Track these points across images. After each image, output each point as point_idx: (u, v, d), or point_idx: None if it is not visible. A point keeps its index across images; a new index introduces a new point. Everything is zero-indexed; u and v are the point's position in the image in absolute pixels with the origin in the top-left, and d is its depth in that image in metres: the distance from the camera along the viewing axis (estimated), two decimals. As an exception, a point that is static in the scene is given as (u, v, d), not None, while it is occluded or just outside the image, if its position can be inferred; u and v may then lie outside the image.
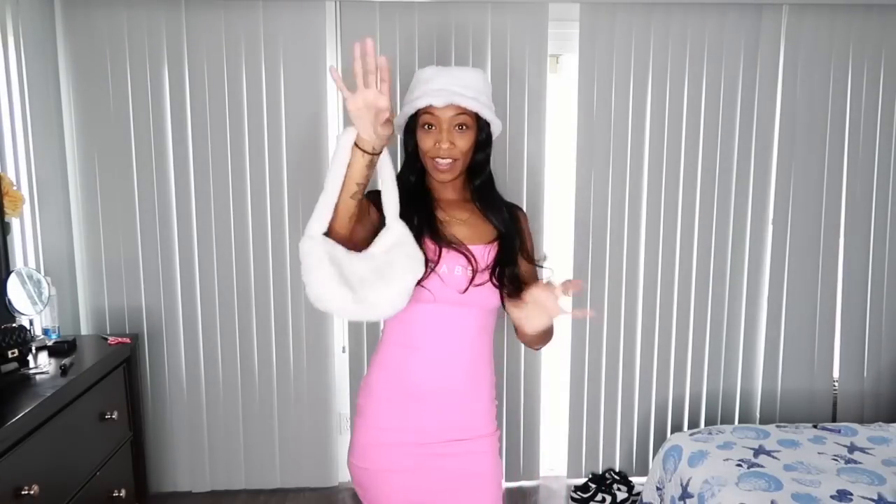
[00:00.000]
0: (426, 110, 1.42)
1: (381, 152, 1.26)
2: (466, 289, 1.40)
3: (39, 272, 2.20)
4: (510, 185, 2.63)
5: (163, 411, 2.76)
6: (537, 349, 2.05)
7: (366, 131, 1.20)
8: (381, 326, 1.63)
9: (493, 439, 1.52)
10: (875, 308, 2.88)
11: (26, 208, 2.26)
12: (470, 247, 1.43)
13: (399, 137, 1.52)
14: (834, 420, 2.92)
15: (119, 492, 2.15)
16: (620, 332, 2.82)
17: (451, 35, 2.58)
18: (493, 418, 1.53)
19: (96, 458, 2.03)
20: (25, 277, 2.10)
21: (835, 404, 2.94)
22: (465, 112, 1.41)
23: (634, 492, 2.77)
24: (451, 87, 1.40)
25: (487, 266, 1.44)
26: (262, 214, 2.67)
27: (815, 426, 2.44)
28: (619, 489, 2.76)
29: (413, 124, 1.47)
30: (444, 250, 1.41)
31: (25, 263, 2.28)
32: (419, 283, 1.36)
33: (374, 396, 1.48)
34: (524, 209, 1.62)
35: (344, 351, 2.81)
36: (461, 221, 1.48)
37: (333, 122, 2.66)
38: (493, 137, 1.51)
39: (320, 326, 2.75)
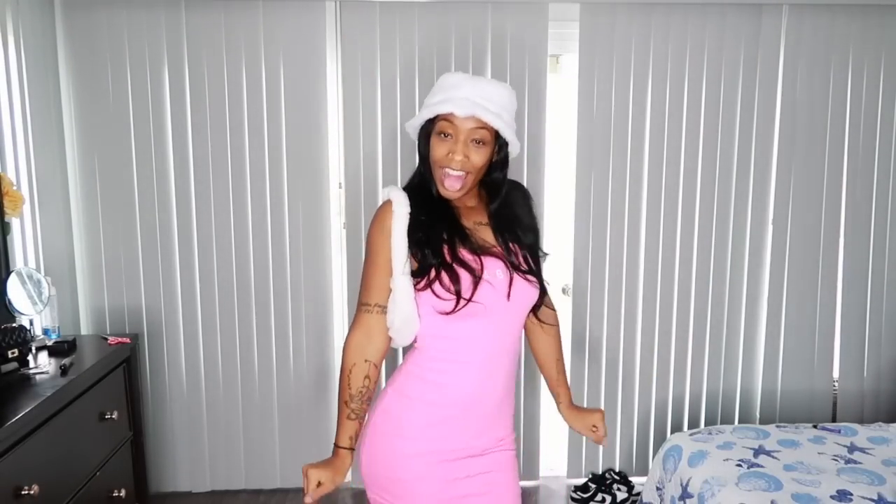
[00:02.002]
0: (445, 117, 1.35)
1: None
2: (509, 291, 1.37)
3: (39, 272, 2.20)
4: (510, 185, 2.63)
5: (163, 411, 2.76)
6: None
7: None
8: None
9: (512, 439, 1.54)
10: (875, 308, 2.88)
11: (26, 208, 2.26)
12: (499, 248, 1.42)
13: (414, 140, 1.47)
14: (834, 420, 2.92)
15: (119, 492, 2.15)
16: (620, 331, 2.82)
17: (451, 35, 2.58)
18: (512, 419, 1.56)
19: (96, 458, 2.03)
20: (25, 277, 2.10)
21: (835, 404, 2.94)
22: (484, 127, 1.35)
23: (634, 492, 2.77)
24: (476, 99, 1.34)
25: (521, 263, 1.43)
26: (262, 214, 2.67)
27: (815, 426, 2.44)
28: (619, 489, 2.76)
29: (429, 129, 1.40)
30: (484, 257, 1.36)
31: (25, 263, 2.28)
32: (470, 298, 1.33)
33: (412, 409, 1.41)
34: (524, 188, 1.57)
35: (344, 351, 2.81)
36: (485, 225, 1.44)
37: (333, 122, 2.66)
38: (511, 157, 1.46)
39: (320, 327, 2.75)
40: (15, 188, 2.15)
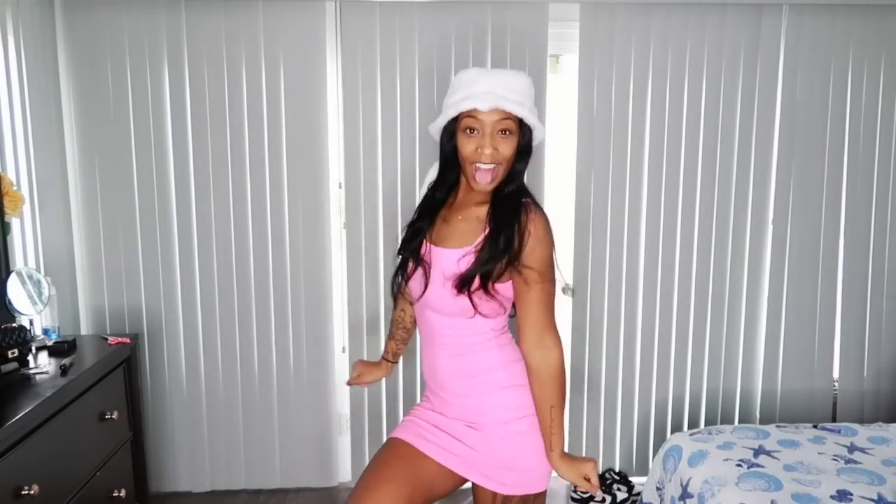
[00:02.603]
0: (469, 113, 1.39)
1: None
2: (420, 295, 1.50)
3: (39, 272, 2.20)
4: (510, 185, 2.63)
5: (163, 411, 2.76)
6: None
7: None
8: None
9: (495, 435, 1.50)
10: (875, 308, 2.88)
11: (26, 208, 2.26)
12: (441, 249, 1.47)
13: (436, 140, 1.52)
14: (834, 420, 2.92)
15: (119, 492, 2.15)
16: (620, 331, 2.82)
17: (451, 35, 2.58)
18: (501, 410, 1.51)
19: (96, 458, 2.03)
20: (25, 277, 2.10)
21: (835, 404, 2.94)
22: (509, 117, 1.39)
23: (634, 492, 2.77)
24: (496, 91, 1.38)
25: (457, 273, 1.42)
26: (262, 214, 2.67)
27: (815, 426, 2.44)
28: (619, 489, 2.76)
29: (453, 127, 1.44)
30: (421, 264, 1.49)
31: (25, 263, 2.28)
32: (398, 291, 1.62)
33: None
34: (541, 215, 1.47)
35: (344, 351, 2.81)
36: (449, 222, 1.51)
37: (333, 122, 2.66)
38: (535, 143, 1.48)
39: (320, 326, 2.75)
40: (15, 188, 2.15)
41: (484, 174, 1.41)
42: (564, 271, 2.80)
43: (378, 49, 2.58)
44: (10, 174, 2.21)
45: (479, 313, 1.44)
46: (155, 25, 2.54)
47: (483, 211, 1.48)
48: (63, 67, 2.55)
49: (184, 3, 2.53)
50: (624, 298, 2.80)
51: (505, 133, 1.40)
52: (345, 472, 2.90)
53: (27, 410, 1.62)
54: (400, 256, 1.56)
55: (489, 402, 1.51)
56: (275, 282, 2.71)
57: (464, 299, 1.42)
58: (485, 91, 1.38)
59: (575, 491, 2.78)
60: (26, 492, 1.57)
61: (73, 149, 2.60)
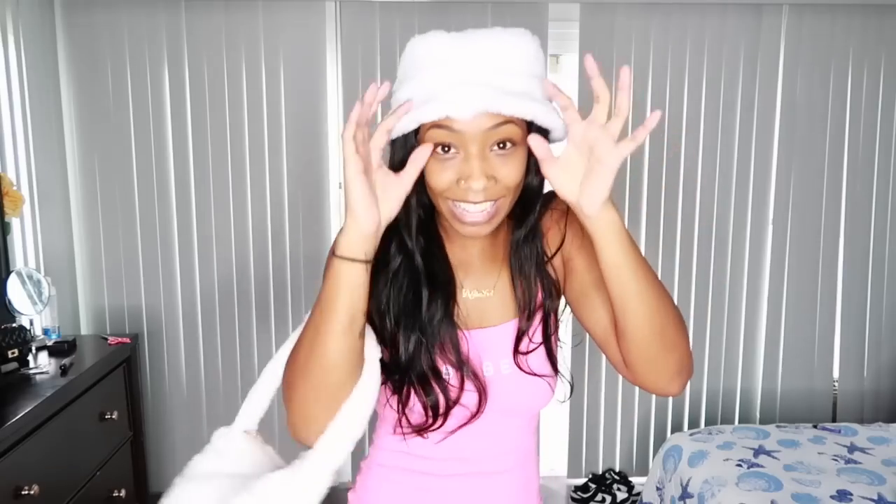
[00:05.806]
0: (438, 123, 0.79)
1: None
2: (476, 412, 0.92)
3: (39, 272, 2.20)
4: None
5: (163, 411, 2.76)
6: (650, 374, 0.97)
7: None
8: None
9: None
10: (875, 308, 2.88)
11: (26, 208, 2.26)
12: (486, 329, 0.95)
13: (386, 150, 0.85)
14: (834, 420, 2.92)
15: (119, 492, 2.15)
16: (620, 332, 2.81)
17: (451, 35, 2.58)
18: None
19: (96, 458, 2.03)
20: (25, 277, 2.10)
21: (835, 404, 2.94)
22: (509, 120, 0.79)
23: (634, 492, 2.77)
24: (482, 76, 0.77)
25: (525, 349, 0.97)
26: (262, 214, 2.67)
27: (815, 426, 2.44)
28: (619, 489, 2.76)
29: (410, 139, 0.84)
30: (472, 360, 0.93)
31: (25, 263, 2.28)
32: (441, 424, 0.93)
33: None
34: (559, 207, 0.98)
35: (344, 351, 2.81)
36: (478, 296, 0.95)
37: (333, 122, 2.66)
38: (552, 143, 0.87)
39: (320, 326, 2.74)
40: (15, 188, 2.15)
41: (475, 216, 0.82)
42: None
43: (378, 49, 2.58)
44: (10, 174, 2.21)
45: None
46: (155, 25, 2.54)
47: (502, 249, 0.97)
48: (63, 67, 2.55)
49: (184, 3, 2.53)
50: (624, 298, 2.80)
51: (504, 146, 0.80)
52: (345, 472, 2.90)
53: (27, 410, 1.62)
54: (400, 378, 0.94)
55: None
56: (275, 282, 2.71)
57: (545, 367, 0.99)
58: (460, 80, 0.77)
59: (575, 491, 2.78)
60: (26, 492, 1.57)
61: (73, 149, 2.60)
